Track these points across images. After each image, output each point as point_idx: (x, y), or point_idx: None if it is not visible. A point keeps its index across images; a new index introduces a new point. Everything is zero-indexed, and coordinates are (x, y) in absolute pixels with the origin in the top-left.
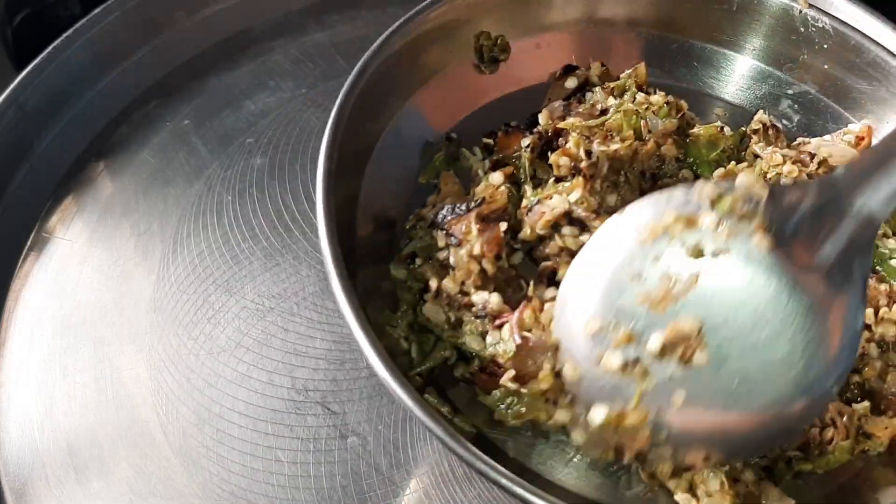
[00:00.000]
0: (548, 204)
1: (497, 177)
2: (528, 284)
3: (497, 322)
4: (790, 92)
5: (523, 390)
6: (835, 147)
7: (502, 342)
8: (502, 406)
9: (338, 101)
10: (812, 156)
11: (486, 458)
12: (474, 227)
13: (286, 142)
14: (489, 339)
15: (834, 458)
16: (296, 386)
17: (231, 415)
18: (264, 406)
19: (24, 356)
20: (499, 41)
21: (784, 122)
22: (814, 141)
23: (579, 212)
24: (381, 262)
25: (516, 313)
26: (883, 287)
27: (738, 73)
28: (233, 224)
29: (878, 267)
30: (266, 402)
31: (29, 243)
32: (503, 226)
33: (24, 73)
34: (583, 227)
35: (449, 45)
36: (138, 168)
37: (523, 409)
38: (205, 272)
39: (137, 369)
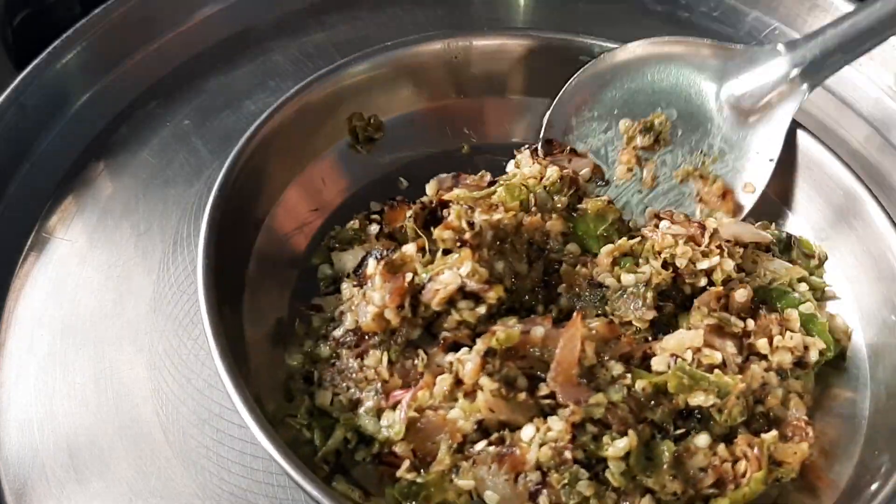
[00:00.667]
0: (440, 280)
1: (410, 247)
2: (425, 354)
3: (391, 402)
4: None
5: (420, 480)
6: (744, 227)
7: (396, 423)
8: (407, 498)
9: (209, 204)
10: (703, 229)
11: None
12: (378, 277)
13: None
14: (384, 420)
15: (749, 490)
16: None
17: (231, 415)
18: None
19: (24, 356)
20: (371, 120)
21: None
22: (723, 222)
23: (472, 284)
24: (272, 354)
25: (410, 392)
26: (774, 316)
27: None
28: None
29: (775, 302)
30: None
31: (29, 243)
32: (409, 276)
33: (24, 73)
34: (478, 299)
35: (322, 128)
36: (138, 168)
37: (428, 497)
38: None
39: (137, 369)
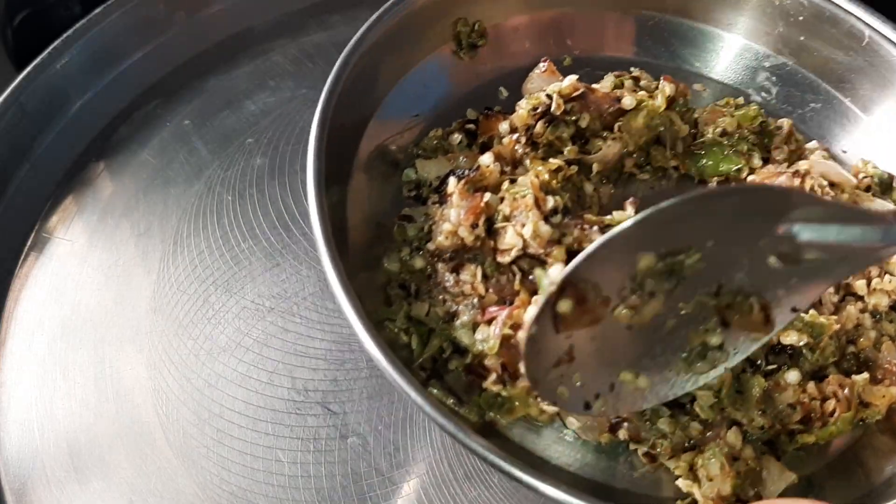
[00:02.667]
0: (506, 241)
1: (487, 158)
2: (520, 271)
3: (486, 317)
4: (767, 64)
5: (504, 393)
6: (831, 165)
7: (491, 339)
8: (491, 408)
9: (321, 99)
10: (798, 174)
11: (495, 450)
12: (457, 195)
13: (286, 142)
14: (478, 334)
15: (836, 430)
16: (296, 386)
17: (231, 415)
18: (264, 406)
19: (24, 356)
20: (476, 26)
21: (763, 94)
22: (810, 160)
23: (534, 246)
24: (372, 259)
25: (507, 310)
26: None
27: (714, 48)
28: (233, 224)
29: None
30: (266, 402)
31: (29, 243)
32: (487, 195)
33: (24, 73)
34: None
35: (427, 33)
36: (138, 168)
37: (511, 409)
38: (205, 272)
39: (137, 369)
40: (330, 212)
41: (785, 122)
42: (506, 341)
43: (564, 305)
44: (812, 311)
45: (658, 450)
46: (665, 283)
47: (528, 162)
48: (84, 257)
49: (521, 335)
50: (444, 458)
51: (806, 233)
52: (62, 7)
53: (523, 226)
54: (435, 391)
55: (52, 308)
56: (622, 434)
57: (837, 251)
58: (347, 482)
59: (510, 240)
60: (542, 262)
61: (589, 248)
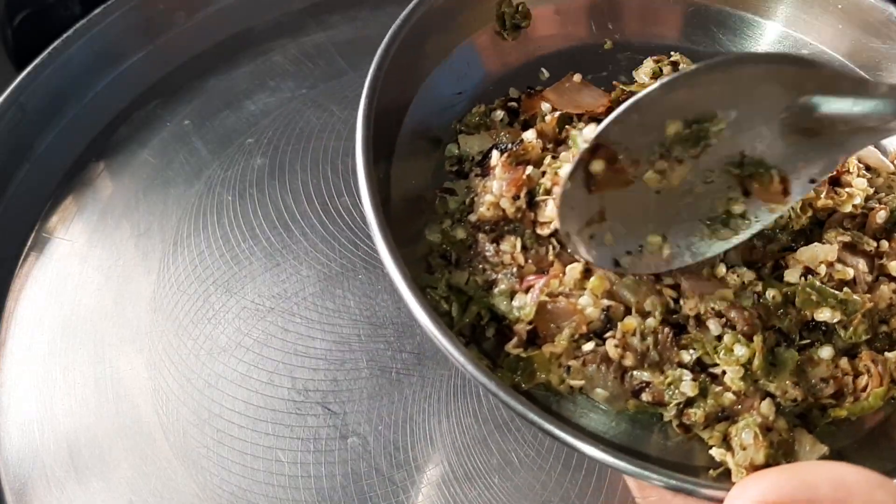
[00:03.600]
0: (546, 212)
1: (530, 134)
2: (558, 244)
3: (524, 286)
4: (805, 52)
5: (524, 355)
6: (868, 150)
7: (528, 305)
8: (514, 372)
9: (372, 69)
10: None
11: (532, 406)
12: (500, 167)
13: (286, 142)
14: (515, 302)
15: (868, 405)
16: (296, 386)
17: (231, 415)
18: (264, 406)
19: (24, 356)
20: (520, 8)
21: None
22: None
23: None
24: (414, 233)
25: (544, 279)
26: None
27: (753, 35)
28: (233, 224)
29: None
30: (266, 402)
31: (29, 243)
32: (529, 169)
33: (24, 73)
34: None
35: (472, 12)
36: (138, 168)
37: (532, 373)
38: (205, 272)
39: (137, 369)
40: (375, 175)
41: None
42: (542, 308)
43: (597, 165)
44: (846, 289)
45: (693, 419)
46: (692, 150)
47: (569, 140)
48: (84, 257)
49: (556, 191)
50: (444, 459)
51: (824, 105)
52: (62, 7)
53: None
54: (473, 354)
55: (52, 308)
56: (645, 397)
57: (853, 123)
58: (347, 482)
59: (550, 213)
60: None
61: (618, 110)
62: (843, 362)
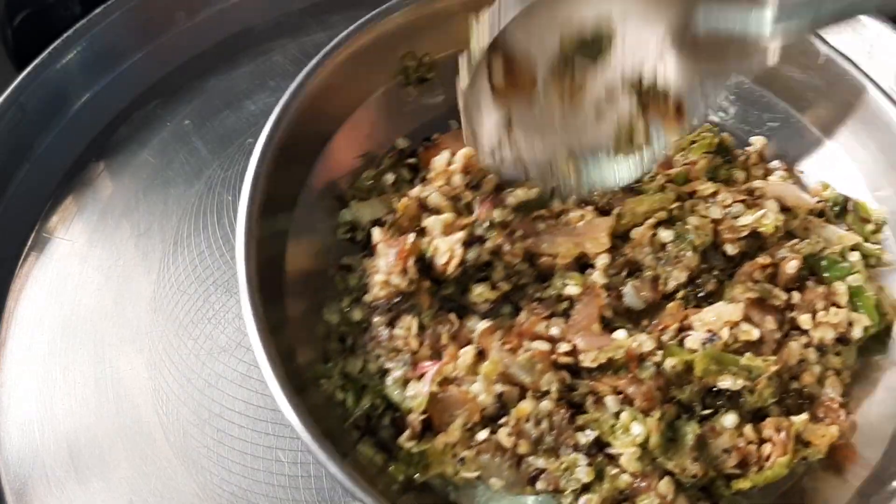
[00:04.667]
0: (440, 251)
1: (416, 190)
2: (457, 319)
3: (418, 372)
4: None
5: (415, 450)
6: (787, 187)
7: (420, 395)
8: (409, 465)
9: (259, 145)
10: (750, 193)
11: None
12: (382, 244)
13: None
14: (409, 391)
15: (772, 474)
16: None
17: (231, 415)
18: (264, 406)
19: (24, 356)
20: (424, 59)
21: (720, 114)
22: (767, 181)
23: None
24: (314, 303)
25: (437, 365)
26: (820, 290)
27: None
28: (233, 224)
29: (823, 272)
30: (266, 402)
31: (29, 243)
32: (410, 237)
33: (24, 73)
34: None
35: (374, 69)
36: (138, 168)
37: (427, 466)
38: (205, 272)
39: (137, 369)
40: (271, 240)
41: (759, 141)
42: (433, 398)
43: (496, 66)
44: (748, 354)
45: None
46: (589, 65)
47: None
48: (84, 257)
49: (460, 93)
50: None
51: (711, 19)
52: (62, 7)
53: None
54: (365, 449)
55: (52, 308)
56: (541, 484)
57: (738, 40)
58: None
59: (443, 256)
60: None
61: (511, 16)
62: (748, 430)
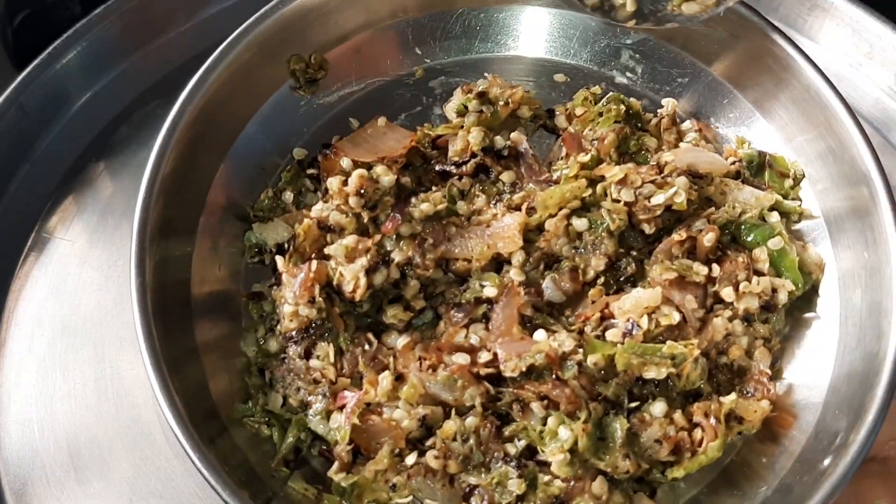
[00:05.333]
0: (347, 279)
1: (317, 209)
2: (375, 339)
3: (338, 403)
4: (629, 42)
5: (343, 483)
6: (699, 154)
7: (342, 427)
8: (341, 496)
9: (148, 168)
10: (658, 168)
11: None
12: (286, 274)
13: None
14: (332, 422)
15: (706, 458)
16: None
17: None
18: None
19: (24, 356)
20: (312, 59)
21: (628, 74)
22: (675, 151)
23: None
24: (228, 335)
25: (357, 395)
26: (741, 259)
27: (570, 31)
28: None
29: (744, 237)
30: None
31: (29, 243)
32: (314, 265)
33: (24, 73)
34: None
35: (261, 77)
36: (138, 168)
37: (360, 495)
38: None
39: (137, 369)
40: (174, 263)
41: (669, 103)
42: (356, 428)
43: None
44: (670, 342)
45: None
46: None
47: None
48: (84, 257)
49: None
50: None
51: None
52: (62, 7)
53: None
54: (296, 484)
55: (52, 308)
56: (475, 500)
57: None
58: None
59: (349, 284)
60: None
61: None
62: (678, 416)
